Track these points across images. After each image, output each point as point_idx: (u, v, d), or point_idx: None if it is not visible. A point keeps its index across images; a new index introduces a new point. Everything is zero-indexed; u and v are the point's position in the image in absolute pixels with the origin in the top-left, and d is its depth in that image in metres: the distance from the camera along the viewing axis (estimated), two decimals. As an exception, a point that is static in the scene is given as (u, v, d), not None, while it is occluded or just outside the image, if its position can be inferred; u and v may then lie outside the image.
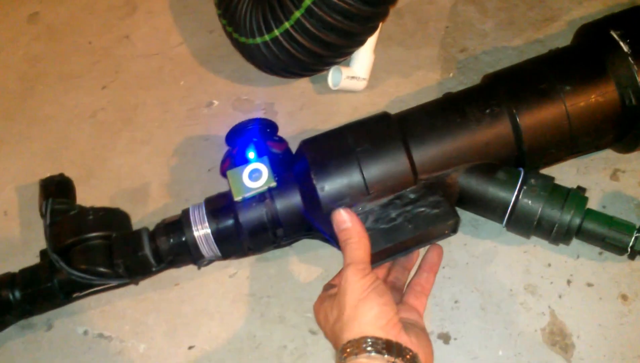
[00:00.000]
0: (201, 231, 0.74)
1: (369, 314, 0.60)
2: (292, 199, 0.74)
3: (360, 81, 0.95)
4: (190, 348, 0.79)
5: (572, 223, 0.71)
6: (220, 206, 0.75)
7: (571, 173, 0.84)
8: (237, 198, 0.73)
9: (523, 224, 0.73)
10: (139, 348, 0.80)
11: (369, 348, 0.58)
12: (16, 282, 0.76)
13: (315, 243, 0.81)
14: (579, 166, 0.85)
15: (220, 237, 0.75)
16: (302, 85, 1.00)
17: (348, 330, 0.60)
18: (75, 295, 0.78)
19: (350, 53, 0.92)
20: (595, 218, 0.72)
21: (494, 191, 0.73)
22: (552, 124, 0.74)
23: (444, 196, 0.72)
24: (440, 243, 0.76)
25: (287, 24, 0.84)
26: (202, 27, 1.11)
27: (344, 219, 0.68)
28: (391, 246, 0.70)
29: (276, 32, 0.85)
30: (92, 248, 0.75)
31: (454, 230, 0.74)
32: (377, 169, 0.71)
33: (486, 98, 0.76)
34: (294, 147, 0.77)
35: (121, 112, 1.04)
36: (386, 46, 1.00)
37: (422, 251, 0.77)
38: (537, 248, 0.80)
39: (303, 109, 0.97)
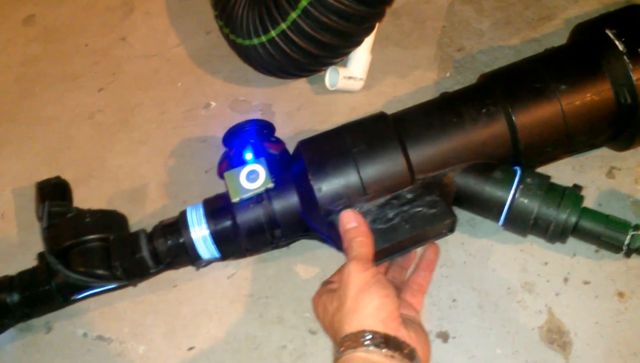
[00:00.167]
0: (199, 232, 0.74)
1: (369, 306, 0.61)
2: (290, 200, 0.74)
3: (357, 81, 0.95)
4: (189, 349, 0.79)
5: (568, 221, 0.71)
6: (217, 207, 0.76)
7: (567, 171, 0.84)
8: (235, 199, 0.73)
9: (519, 223, 0.73)
10: (139, 349, 0.80)
11: (367, 342, 0.58)
12: (14, 285, 0.76)
13: (313, 243, 0.82)
14: (574, 164, 0.85)
15: (218, 238, 0.75)
16: (300, 86, 1.00)
17: (347, 323, 0.60)
18: (73, 298, 0.78)
19: (347, 53, 0.92)
20: (591, 217, 0.72)
21: (491, 190, 0.73)
22: (548, 123, 0.75)
23: (440, 195, 0.73)
24: (438, 242, 0.76)
25: (283, 25, 0.84)
26: (199, 29, 1.11)
27: (351, 219, 0.69)
28: (389, 246, 0.70)
29: (273, 33, 0.85)
30: (90, 251, 0.75)
31: (451, 230, 0.74)
32: (374, 170, 0.71)
33: (482, 98, 0.76)
34: (291, 147, 0.78)
35: (119, 113, 1.04)
36: (383, 46, 1.00)
37: (419, 250, 0.77)
38: (534, 247, 0.80)
39: (300, 110, 0.98)
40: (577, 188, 0.74)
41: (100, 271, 0.75)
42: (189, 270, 0.81)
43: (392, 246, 0.71)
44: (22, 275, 0.77)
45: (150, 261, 0.75)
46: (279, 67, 0.91)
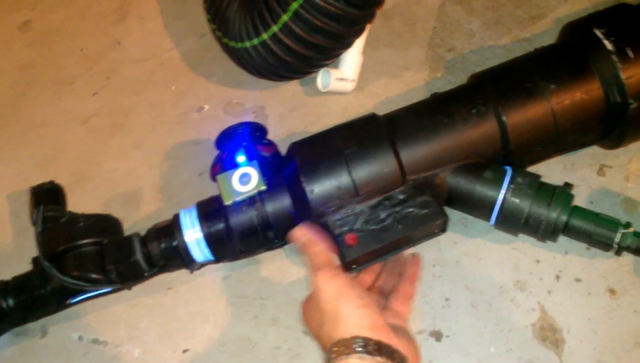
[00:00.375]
0: (192, 235, 0.75)
1: (352, 316, 0.60)
2: (283, 202, 0.74)
3: (349, 82, 0.96)
4: (184, 351, 0.79)
5: (559, 220, 0.72)
6: (211, 210, 0.76)
7: (558, 169, 0.85)
8: (227, 202, 0.73)
9: (511, 222, 0.74)
10: (134, 352, 0.80)
11: (359, 349, 0.57)
12: (9, 290, 0.77)
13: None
14: (565, 162, 0.85)
15: (211, 241, 0.75)
16: (292, 88, 1.00)
17: (334, 330, 0.60)
18: (68, 302, 0.78)
19: (338, 55, 0.92)
20: (582, 215, 0.73)
21: (482, 190, 0.74)
22: (538, 122, 0.75)
23: (432, 196, 0.73)
24: (431, 241, 0.77)
25: (275, 28, 0.84)
26: (192, 32, 1.11)
27: (301, 234, 0.69)
28: (381, 246, 0.71)
29: (265, 36, 0.86)
30: (84, 255, 0.76)
31: (443, 229, 0.74)
32: (366, 171, 0.72)
33: (472, 98, 0.76)
34: (285, 149, 0.78)
35: (113, 117, 1.04)
36: (374, 47, 1.01)
37: (418, 253, 0.77)
38: (526, 245, 0.80)
39: (293, 112, 0.98)
40: (568, 186, 0.74)
41: (94, 275, 0.75)
42: (184, 272, 0.82)
43: (384, 247, 0.71)
44: (17, 279, 0.78)
45: (144, 264, 0.76)
46: (271, 69, 0.91)
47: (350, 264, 0.69)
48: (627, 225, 0.72)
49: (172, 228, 0.76)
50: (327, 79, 0.95)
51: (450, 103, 0.77)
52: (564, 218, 0.72)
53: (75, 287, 0.75)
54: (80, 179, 0.97)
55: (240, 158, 0.76)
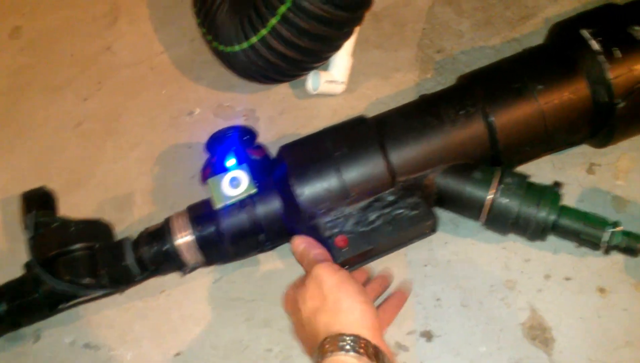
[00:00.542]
0: (183, 238, 0.75)
1: (353, 312, 0.60)
2: (273, 205, 0.75)
3: (338, 84, 0.96)
4: (176, 355, 0.80)
5: (547, 220, 0.72)
6: (201, 213, 0.76)
7: (547, 168, 0.85)
8: (218, 205, 0.74)
9: (500, 222, 0.74)
10: (127, 356, 0.80)
11: (360, 350, 0.56)
12: (2, 295, 0.76)
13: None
14: (555, 161, 0.86)
15: (203, 244, 0.75)
16: (283, 90, 1.01)
17: (333, 321, 0.59)
18: (60, 306, 0.78)
19: (327, 58, 0.93)
20: (570, 215, 0.73)
21: (471, 190, 0.74)
22: (526, 122, 0.76)
23: (422, 197, 0.74)
24: (422, 241, 0.78)
25: (263, 31, 0.84)
26: (183, 36, 1.11)
27: (300, 242, 0.71)
28: (372, 248, 0.71)
29: (254, 40, 0.86)
30: (76, 260, 0.76)
31: (433, 230, 0.75)
32: (356, 173, 0.72)
33: (461, 99, 0.77)
34: (276, 152, 0.79)
35: (105, 121, 1.04)
36: (364, 49, 1.01)
37: (409, 254, 0.78)
38: (517, 244, 0.81)
39: (283, 114, 0.98)
40: (557, 185, 0.75)
41: (86, 280, 0.75)
42: (176, 275, 0.82)
43: (374, 248, 0.72)
44: (10, 284, 0.78)
45: (136, 268, 0.76)
46: (261, 72, 0.91)
47: (341, 266, 0.69)
48: (616, 224, 0.72)
49: (163, 231, 0.76)
50: (316, 81, 0.96)
51: (438, 104, 0.77)
52: (552, 217, 0.72)
53: (67, 292, 0.76)
54: (73, 184, 0.97)
55: (230, 162, 0.76)
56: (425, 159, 0.75)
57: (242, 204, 0.74)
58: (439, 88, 0.83)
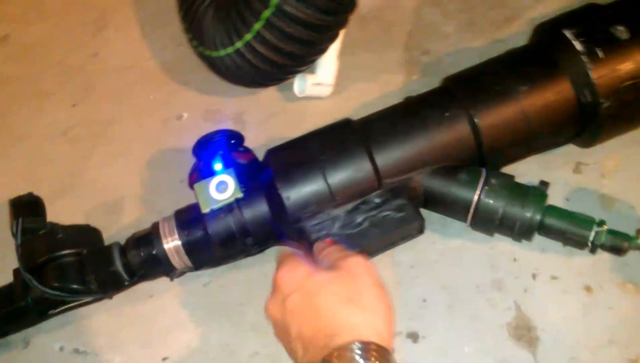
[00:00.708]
0: (171, 243, 0.75)
1: (384, 313, 0.56)
2: (260, 209, 0.75)
3: (325, 87, 0.96)
4: (164, 359, 0.80)
5: (533, 220, 0.73)
6: (189, 218, 0.77)
7: (534, 168, 0.85)
8: (205, 210, 0.74)
9: (486, 223, 0.75)
10: (115, 361, 0.81)
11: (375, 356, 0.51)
12: (-9, 302, 0.77)
13: (287, 249, 0.82)
14: (541, 161, 0.85)
15: (190, 248, 0.76)
16: (270, 94, 1.01)
17: (358, 325, 0.54)
18: (49, 312, 0.78)
19: (312, 62, 0.93)
20: (555, 214, 0.73)
21: (456, 192, 0.75)
22: (510, 124, 0.76)
23: (408, 199, 0.74)
24: (409, 242, 0.77)
25: (248, 36, 0.85)
26: (170, 41, 1.11)
27: (322, 246, 0.67)
28: (359, 251, 0.71)
29: (239, 45, 0.86)
30: (64, 266, 0.76)
31: (420, 231, 0.75)
32: (342, 176, 0.72)
33: (445, 101, 0.77)
34: (262, 156, 0.79)
35: (93, 127, 1.05)
36: (351, 51, 1.01)
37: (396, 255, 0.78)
38: (504, 244, 0.81)
39: (271, 118, 0.99)
40: (543, 184, 0.75)
41: (74, 286, 0.76)
42: (165, 280, 0.82)
43: (362, 252, 0.72)
44: (-2, 291, 0.78)
45: (124, 273, 0.76)
46: (247, 77, 0.91)
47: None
48: (601, 223, 0.73)
49: (151, 236, 0.76)
50: (303, 84, 0.96)
51: (423, 107, 0.78)
52: (537, 217, 0.73)
53: (56, 298, 0.76)
54: (62, 190, 0.98)
55: (217, 166, 0.77)
56: (411, 162, 0.75)
57: (229, 208, 0.74)
58: (425, 90, 0.83)
